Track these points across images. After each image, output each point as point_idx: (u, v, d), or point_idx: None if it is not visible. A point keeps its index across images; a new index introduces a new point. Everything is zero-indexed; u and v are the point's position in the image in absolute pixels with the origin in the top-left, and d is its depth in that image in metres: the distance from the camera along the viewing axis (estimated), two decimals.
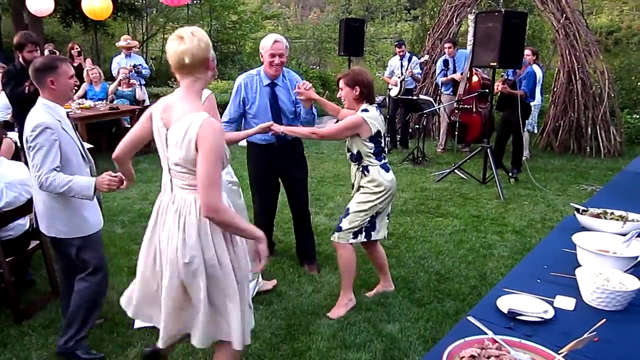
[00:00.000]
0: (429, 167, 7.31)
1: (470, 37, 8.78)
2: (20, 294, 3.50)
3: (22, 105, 4.72)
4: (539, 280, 1.92)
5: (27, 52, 4.65)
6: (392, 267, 3.99)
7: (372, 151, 3.28)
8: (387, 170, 3.36)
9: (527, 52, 6.64)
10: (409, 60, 8.18)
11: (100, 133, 7.68)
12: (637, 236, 2.03)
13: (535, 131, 8.26)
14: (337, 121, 3.51)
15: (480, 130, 7.75)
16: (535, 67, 7.07)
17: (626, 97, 9.87)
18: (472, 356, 1.36)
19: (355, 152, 3.30)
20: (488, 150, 6.29)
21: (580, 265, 1.92)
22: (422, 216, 5.32)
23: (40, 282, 3.80)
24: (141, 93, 8.34)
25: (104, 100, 7.90)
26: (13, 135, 4.75)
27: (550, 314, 1.66)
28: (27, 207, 3.32)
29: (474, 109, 7.96)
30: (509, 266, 4.00)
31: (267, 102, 3.69)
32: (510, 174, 6.66)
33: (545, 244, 2.38)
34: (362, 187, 3.32)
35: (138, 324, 3.19)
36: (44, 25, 15.92)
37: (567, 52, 8.00)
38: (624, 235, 2.06)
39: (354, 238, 3.35)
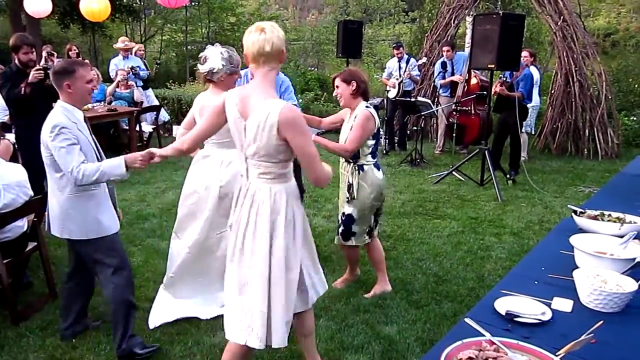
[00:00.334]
0: (427, 169, 7.32)
1: (468, 39, 8.82)
2: (18, 295, 3.48)
3: (18, 107, 4.71)
4: (536, 282, 1.92)
5: (23, 53, 4.65)
6: (390, 268, 4.00)
7: (370, 150, 3.36)
8: (379, 169, 3.46)
9: (524, 53, 6.65)
10: (407, 62, 8.19)
11: (99, 134, 7.64)
12: (635, 238, 2.04)
13: (533, 133, 8.28)
14: (320, 133, 3.57)
15: (479, 132, 7.76)
16: (533, 69, 7.08)
17: (623, 99, 9.90)
18: (470, 358, 1.37)
19: None
20: (486, 152, 6.30)
21: (577, 267, 1.92)
22: (420, 218, 5.33)
23: (37, 283, 3.79)
24: (139, 95, 8.33)
25: (102, 102, 7.89)
26: (10, 137, 4.74)
27: (547, 316, 1.66)
28: (24, 209, 3.32)
29: (473, 111, 7.98)
30: (507, 268, 4.01)
31: None
32: (508, 176, 6.67)
33: (543, 245, 2.38)
34: (358, 185, 3.36)
35: (153, 323, 3.21)
36: (41, 26, 15.91)
37: (564, 54, 8.02)
38: (622, 237, 2.07)
39: (369, 237, 3.53)
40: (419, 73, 8.61)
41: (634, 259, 1.89)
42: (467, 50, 8.27)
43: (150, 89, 9.18)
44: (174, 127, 9.22)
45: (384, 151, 8.33)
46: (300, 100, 9.81)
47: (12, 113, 4.90)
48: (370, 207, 3.42)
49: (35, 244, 3.53)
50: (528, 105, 6.90)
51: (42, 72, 4.60)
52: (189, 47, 17.71)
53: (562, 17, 7.98)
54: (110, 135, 7.99)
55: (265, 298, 2.20)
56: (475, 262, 4.26)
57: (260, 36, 2.15)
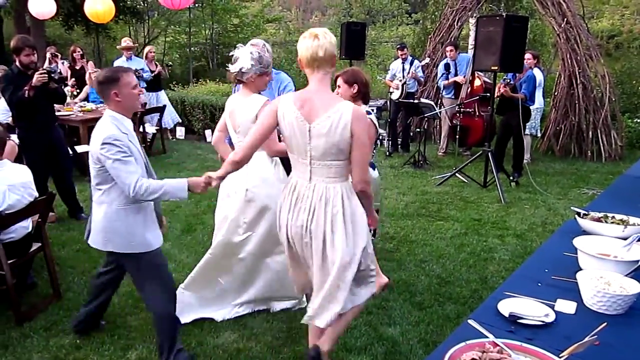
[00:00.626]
0: (430, 171, 7.32)
1: (471, 41, 8.80)
2: (22, 296, 3.50)
3: (21, 109, 4.71)
4: (539, 284, 1.92)
5: (24, 55, 4.63)
6: (393, 270, 4.00)
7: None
8: (374, 169, 3.56)
9: (527, 55, 6.64)
10: (411, 63, 8.20)
11: None
12: (638, 240, 2.04)
13: (538, 135, 8.27)
14: None
15: (482, 134, 7.75)
16: (536, 71, 7.07)
17: (627, 101, 9.86)
18: (473, 359, 1.37)
19: None
20: (489, 153, 6.29)
21: (581, 269, 1.92)
22: (423, 220, 5.32)
23: (41, 284, 3.80)
24: (142, 96, 8.35)
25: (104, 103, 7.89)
26: (14, 137, 4.76)
27: (551, 318, 1.66)
28: (29, 210, 3.33)
29: (476, 113, 7.97)
30: (510, 270, 4.00)
31: None
32: (511, 178, 6.67)
33: (546, 247, 2.38)
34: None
35: (184, 319, 3.19)
36: (46, 28, 15.99)
37: (568, 56, 8.01)
38: (625, 239, 2.07)
39: (373, 236, 3.57)
40: (423, 75, 8.63)
41: (638, 261, 1.89)
42: (470, 52, 8.26)
43: (162, 91, 9.15)
44: (207, 132, 9.18)
45: (387, 152, 8.33)
46: None
47: (14, 115, 4.91)
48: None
49: (40, 244, 3.54)
50: (532, 107, 6.90)
51: (45, 75, 4.60)
52: (192, 48, 17.75)
53: (565, 19, 7.97)
54: None
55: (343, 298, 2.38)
56: (478, 263, 4.26)
57: (313, 42, 2.27)
